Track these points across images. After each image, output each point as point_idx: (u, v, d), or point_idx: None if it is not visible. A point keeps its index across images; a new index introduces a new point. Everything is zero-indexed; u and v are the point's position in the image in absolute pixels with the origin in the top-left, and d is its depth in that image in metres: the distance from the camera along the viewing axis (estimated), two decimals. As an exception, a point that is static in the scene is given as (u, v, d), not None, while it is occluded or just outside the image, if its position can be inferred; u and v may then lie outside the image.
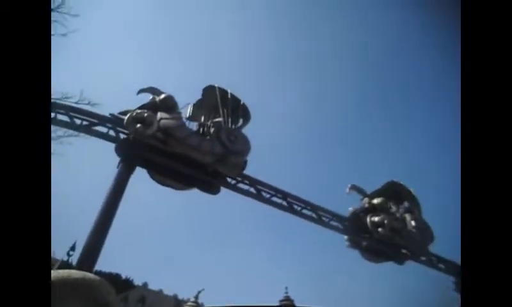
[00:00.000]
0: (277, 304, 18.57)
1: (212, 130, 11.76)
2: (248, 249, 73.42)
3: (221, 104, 12.74)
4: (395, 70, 74.05)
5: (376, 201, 14.43)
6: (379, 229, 13.35)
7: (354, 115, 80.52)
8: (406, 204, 15.36)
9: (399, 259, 14.46)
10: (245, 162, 12.07)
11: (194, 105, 12.64)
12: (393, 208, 15.09)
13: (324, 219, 13.42)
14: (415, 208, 15.44)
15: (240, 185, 12.43)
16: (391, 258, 14.22)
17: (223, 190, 12.16)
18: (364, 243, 13.81)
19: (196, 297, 19.86)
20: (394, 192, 15.51)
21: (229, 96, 12.95)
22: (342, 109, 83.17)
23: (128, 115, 10.32)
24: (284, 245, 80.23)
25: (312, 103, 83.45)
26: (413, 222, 14.54)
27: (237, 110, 12.99)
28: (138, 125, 10.12)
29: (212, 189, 11.70)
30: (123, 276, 18.43)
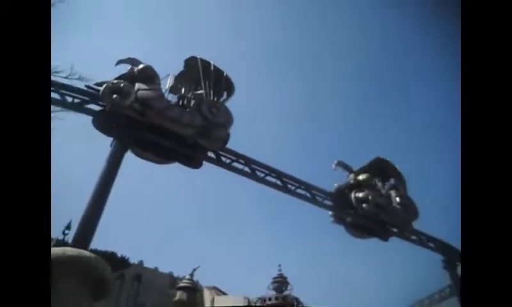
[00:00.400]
0: (270, 280, 19.05)
1: (192, 102, 11.51)
2: (244, 228, 74.37)
3: (202, 76, 12.40)
4: (395, 70, 72.96)
5: (361, 177, 14.50)
6: (364, 205, 13.53)
7: (353, 115, 79.56)
8: (391, 181, 15.49)
9: (384, 236, 14.51)
10: (228, 136, 11.78)
11: (176, 77, 12.33)
12: (379, 185, 15.19)
13: (317, 198, 13.47)
14: (400, 184, 15.53)
15: (235, 164, 12.24)
16: (376, 234, 14.28)
17: (221, 171, 12.22)
18: (348, 219, 13.82)
19: (192, 275, 20.18)
20: (380, 168, 15.60)
21: (212, 68, 12.62)
22: (341, 109, 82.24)
23: (104, 86, 10.06)
24: (280, 225, 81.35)
25: (309, 100, 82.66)
26: (397, 199, 14.58)
27: (220, 82, 12.71)
28: (114, 96, 9.86)
29: (193, 163, 11.45)
30: (119, 255, 18.68)
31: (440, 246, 16.16)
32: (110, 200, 9.23)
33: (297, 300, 18.68)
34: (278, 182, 13.10)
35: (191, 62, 12.63)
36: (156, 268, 21.66)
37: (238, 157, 12.36)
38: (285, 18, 73.78)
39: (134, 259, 19.90)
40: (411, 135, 72.79)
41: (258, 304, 19.12)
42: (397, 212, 14.42)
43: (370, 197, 13.71)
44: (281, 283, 19.34)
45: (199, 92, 11.95)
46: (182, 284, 19.63)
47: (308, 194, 13.49)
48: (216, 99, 12.15)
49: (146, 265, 20.85)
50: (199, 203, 78.07)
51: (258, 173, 12.80)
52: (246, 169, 12.54)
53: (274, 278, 19.38)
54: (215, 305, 21.41)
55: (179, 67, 12.88)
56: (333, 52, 75.62)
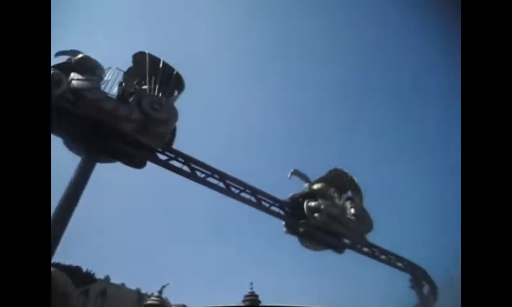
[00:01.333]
0: (242, 298, 18.73)
1: (133, 96, 10.87)
2: (214, 242, 73.14)
3: (149, 71, 11.75)
4: (395, 70, 74.60)
5: (316, 186, 14.21)
6: (316, 215, 13.07)
7: (352, 115, 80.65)
8: (349, 192, 15.35)
9: (338, 248, 14.27)
10: (172, 133, 11.42)
11: (125, 73, 11.73)
12: (335, 196, 14.87)
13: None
14: (356, 196, 15.36)
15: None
16: (330, 246, 14.08)
17: (196, 185, 11.84)
18: (301, 229, 13.55)
19: (160, 292, 19.59)
20: (338, 179, 15.38)
21: (161, 65, 12.09)
22: (341, 110, 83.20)
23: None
24: (248, 239, 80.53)
25: (308, 97, 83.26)
26: (352, 210, 14.35)
27: (170, 80, 12.04)
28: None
29: (135, 162, 10.81)
30: (84, 269, 17.90)
31: (408, 266, 16.62)
32: (76, 211, 8.92)
33: (267, 319, 18.40)
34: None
35: (139, 58, 12.16)
36: (123, 284, 20.86)
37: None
38: (278, 19, 74.70)
39: (99, 275, 19.11)
40: (410, 136, 73.62)
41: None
42: (351, 223, 14.07)
43: (322, 207, 13.28)
44: (252, 301, 19.01)
45: (143, 87, 11.34)
46: (149, 302, 18.98)
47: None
48: (160, 95, 11.43)
49: (112, 280, 20.09)
50: (170, 217, 76.30)
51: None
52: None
53: (245, 296, 19.07)
54: (183, 323, 20.75)
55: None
56: (330, 50, 76.52)
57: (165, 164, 11.41)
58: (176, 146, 11.70)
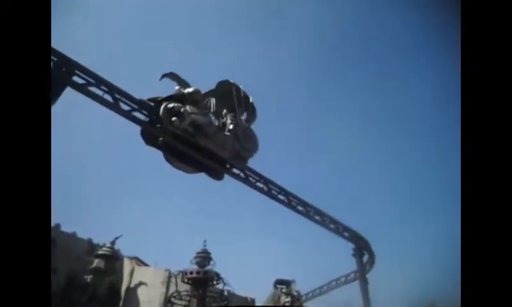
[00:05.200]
0: (194, 255, 19.25)
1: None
2: (173, 198, 73.13)
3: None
4: (394, 69, 74.07)
5: (188, 90, 11.88)
6: (174, 119, 10.95)
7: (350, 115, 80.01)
8: (244, 115, 13.96)
9: (215, 174, 12.61)
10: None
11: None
12: (216, 109, 13.49)
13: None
14: (250, 115, 13.98)
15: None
16: (202, 167, 12.26)
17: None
18: (161, 138, 11.36)
19: (113, 243, 19.60)
20: (229, 95, 13.66)
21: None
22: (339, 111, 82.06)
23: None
24: (211, 201, 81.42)
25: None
26: (231, 126, 12.84)
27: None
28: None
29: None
30: (33, 215, 17.34)
31: (353, 236, 17.94)
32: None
33: (217, 275, 19.18)
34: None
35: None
36: (74, 233, 20.53)
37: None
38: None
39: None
40: (410, 136, 74.79)
41: (179, 277, 19.28)
42: (224, 139, 12.35)
43: (183, 110, 11.17)
44: (204, 258, 19.55)
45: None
46: (101, 252, 18.98)
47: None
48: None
49: (63, 228, 19.71)
50: (126, 168, 74.41)
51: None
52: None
53: (197, 253, 19.57)
54: (134, 276, 21.11)
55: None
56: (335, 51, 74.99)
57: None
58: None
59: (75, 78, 9.71)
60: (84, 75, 9.85)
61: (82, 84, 9.84)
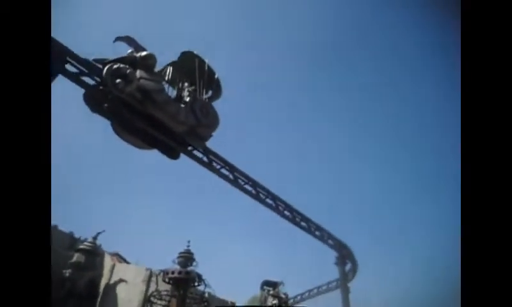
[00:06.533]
0: (177, 255, 19.05)
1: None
2: (157, 197, 72.44)
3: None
4: (394, 69, 74.31)
5: (140, 53, 10.85)
6: (118, 81, 9.77)
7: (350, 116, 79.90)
8: (202, 85, 12.80)
9: (169, 151, 11.66)
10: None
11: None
12: (174, 78, 12.52)
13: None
14: (215, 94, 13.06)
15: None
16: (152, 141, 11.26)
17: None
18: (105, 104, 10.31)
19: (95, 238, 19.26)
20: (190, 66, 12.68)
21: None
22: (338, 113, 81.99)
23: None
24: (197, 201, 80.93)
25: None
26: (187, 99, 11.88)
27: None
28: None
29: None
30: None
31: (337, 244, 18.10)
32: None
33: (199, 276, 19.04)
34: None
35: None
36: (55, 226, 20.13)
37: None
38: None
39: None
40: (410, 136, 74.58)
41: (160, 276, 19.09)
42: (177, 110, 11.21)
43: (129, 72, 10.05)
44: (186, 258, 19.37)
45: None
46: (82, 246, 18.62)
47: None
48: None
49: (46, 221, 19.33)
50: (111, 163, 73.46)
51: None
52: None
53: (180, 253, 19.39)
54: (115, 272, 20.81)
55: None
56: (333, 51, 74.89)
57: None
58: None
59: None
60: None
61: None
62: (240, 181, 13.47)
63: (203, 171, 13.11)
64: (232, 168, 13.76)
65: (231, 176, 13.37)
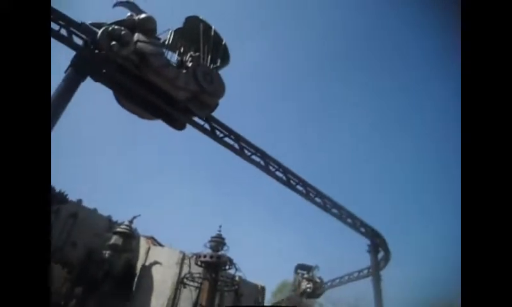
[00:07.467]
0: (209, 239, 19.51)
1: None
2: (192, 182, 74.30)
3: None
4: (394, 69, 72.82)
5: (139, 16, 10.37)
6: (113, 43, 9.30)
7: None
8: (207, 52, 12.08)
9: (173, 121, 11.33)
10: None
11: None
12: (176, 44, 11.66)
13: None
14: (223, 62, 12.47)
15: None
16: (160, 113, 10.97)
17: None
18: (104, 70, 9.86)
19: (131, 222, 20.04)
20: (197, 33, 11.91)
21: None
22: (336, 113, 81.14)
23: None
24: (233, 188, 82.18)
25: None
26: (189, 64, 11.12)
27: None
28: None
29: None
30: (57, 189, 17.93)
31: (370, 232, 17.74)
32: (56, 131, 8.78)
33: (230, 260, 19.39)
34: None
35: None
36: (95, 209, 21.12)
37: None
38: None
39: (72, 197, 19.22)
40: (410, 136, 73.60)
41: (193, 259, 19.59)
42: (176, 74, 10.56)
43: (123, 33, 9.55)
44: (218, 242, 19.78)
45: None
46: (119, 229, 19.46)
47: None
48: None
49: (85, 204, 20.31)
50: (149, 151, 75.87)
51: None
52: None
53: (212, 237, 19.82)
54: (150, 255, 21.59)
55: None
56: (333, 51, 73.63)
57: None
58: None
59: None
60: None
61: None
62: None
63: (236, 159, 12.95)
64: (263, 154, 13.29)
65: (262, 162, 13.12)
